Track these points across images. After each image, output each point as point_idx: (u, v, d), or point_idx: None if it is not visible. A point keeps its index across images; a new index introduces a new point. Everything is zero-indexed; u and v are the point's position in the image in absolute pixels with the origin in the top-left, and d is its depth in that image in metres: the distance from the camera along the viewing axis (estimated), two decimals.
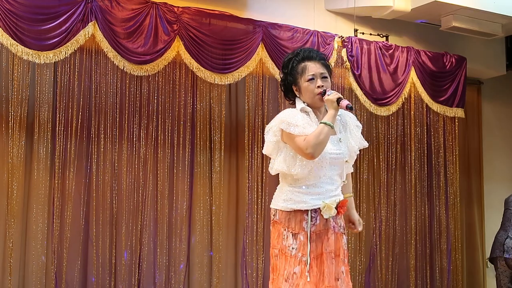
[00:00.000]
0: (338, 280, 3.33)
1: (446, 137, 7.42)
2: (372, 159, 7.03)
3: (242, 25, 6.29)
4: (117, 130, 5.87)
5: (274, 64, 6.30)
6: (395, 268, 7.04)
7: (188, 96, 6.17)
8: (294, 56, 3.45)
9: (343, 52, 6.70)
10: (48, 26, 5.44)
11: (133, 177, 5.89)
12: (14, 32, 5.31)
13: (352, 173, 3.66)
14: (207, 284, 6.15)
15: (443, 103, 7.27)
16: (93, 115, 5.79)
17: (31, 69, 5.59)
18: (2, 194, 5.45)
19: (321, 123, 3.27)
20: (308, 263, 3.27)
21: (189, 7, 6.05)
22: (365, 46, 6.82)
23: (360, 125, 3.55)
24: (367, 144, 3.56)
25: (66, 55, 5.55)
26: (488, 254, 6.80)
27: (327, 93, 3.34)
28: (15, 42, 5.32)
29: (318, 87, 3.36)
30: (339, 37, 6.72)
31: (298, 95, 3.44)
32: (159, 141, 6.03)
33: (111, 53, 5.69)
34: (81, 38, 5.57)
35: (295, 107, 3.45)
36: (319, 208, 3.33)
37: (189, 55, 6.00)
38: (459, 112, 7.38)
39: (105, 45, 5.67)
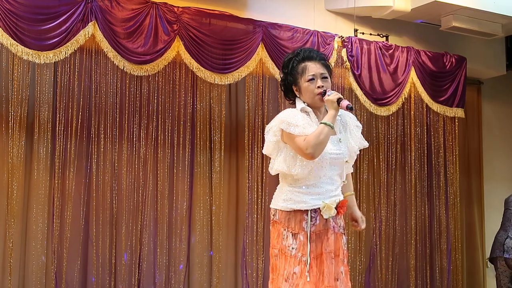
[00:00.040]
0: (337, 280, 3.33)
1: (446, 137, 7.42)
2: (372, 159, 7.03)
3: (242, 25, 6.29)
4: (117, 130, 5.87)
5: (274, 64, 6.30)
6: (395, 268, 7.04)
7: (188, 96, 6.17)
8: (294, 56, 3.45)
9: (343, 52, 6.70)
10: (48, 26, 5.44)
11: (133, 177, 5.89)
12: (14, 32, 5.31)
13: (352, 173, 3.66)
14: (207, 284, 6.15)
15: (443, 103, 7.27)
16: (93, 115, 5.79)
17: (31, 69, 5.59)
18: (2, 194, 5.45)
19: (321, 123, 3.27)
20: (308, 263, 3.27)
21: (189, 7, 6.05)
22: (365, 46, 6.82)
23: (360, 125, 3.55)
24: (367, 144, 3.56)
25: (66, 55, 5.54)
26: (488, 254, 6.80)
27: (327, 93, 3.34)
28: (15, 42, 5.32)
29: (318, 87, 3.36)
30: (339, 37, 6.72)
31: (298, 95, 3.44)
32: (159, 141, 6.03)
33: (111, 53, 5.69)
34: (81, 38, 5.57)
35: (295, 107, 3.45)
36: (319, 208, 3.33)
37: (189, 55, 6.00)
38: (459, 112, 7.38)
39: (105, 45, 5.67)
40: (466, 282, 7.68)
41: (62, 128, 5.65)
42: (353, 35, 6.86)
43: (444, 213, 7.35)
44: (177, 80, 6.13)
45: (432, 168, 7.37)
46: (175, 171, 6.09)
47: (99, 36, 5.65)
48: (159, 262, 5.93)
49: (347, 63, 6.71)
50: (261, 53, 6.31)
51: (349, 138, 3.45)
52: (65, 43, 5.50)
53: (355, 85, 6.76)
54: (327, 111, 3.35)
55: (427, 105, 7.22)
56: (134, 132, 5.93)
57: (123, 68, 5.76)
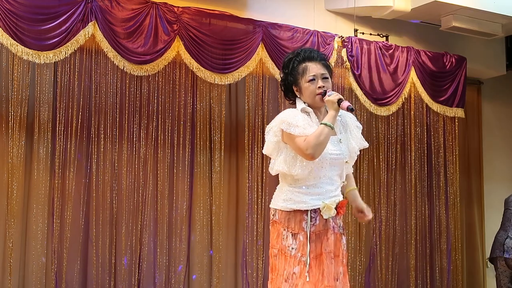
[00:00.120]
0: (337, 280, 3.33)
1: (446, 137, 7.42)
2: (372, 159, 7.03)
3: (242, 25, 6.29)
4: (117, 130, 5.87)
5: (274, 64, 6.30)
6: (395, 268, 7.04)
7: (188, 96, 6.17)
8: (295, 56, 3.45)
9: (343, 52, 6.70)
10: (48, 26, 5.44)
11: (133, 177, 5.89)
12: (14, 32, 5.31)
13: (352, 173, 3.65)
14: (207, 284, 6.15)
15: (443, 103, 7.27)
16: (93, 115, 5.79)
17: (31, 69, 5.59)
18: (2, 194, 5.45)
19: (321, 123, 3.27)
20: (308, 263, 3.27)
21: (189, 7, 6.04)
22: (365, 46, 6.82)
23: (360, 126, 3.55)
24: (367, 144, 3.56)
25: (66, 55, 5.55)
26: (488, 254, 6.80)
27: (327, 93, 3.34)
28: (15, 42, 5.32)
29: (319, 87, 3.36)
30: (339, 37, 6.71)
31: (298, 95, 3.43)
32: (159, 141, 6.03)
33: (111, 53, 5.69)
34: (81, 38, 5.57)
35: (295, 107, 3.45)
36: (319, 209, 3.33)
37: (189, 55, 6.00)
38: (459, 112, 7.38)
39: (105, 45, 5.67)
40: (466, 282, 7.68)
41: (62, 128, 5.65)
42: (353, 35, 6.86)
43: (444, 213, 7.35)
44: (177, 80, 6.13)
45: (432, 168, 7.37)
46: (175, 171, 6.09)
47: (99, 36, 5.65)
48: (159, 262, 5.93)
49: (347, 63, 6.71)
50: (261, 53, 6.31)
51: (350, 138, 3.45)
52: (65, 43, 5.50)
53: (355, 85, 6.76)
54: (327, 111, 3.34)
55: (427, 105, 7.22)
56: (134, 132, 5.93)
57: (123, 68, 5.76)
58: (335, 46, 6.66)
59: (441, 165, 7.38)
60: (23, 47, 5.34)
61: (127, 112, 5.91)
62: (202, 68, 6.05)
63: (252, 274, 6.26)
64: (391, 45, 7.00)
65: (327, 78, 3.40)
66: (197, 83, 6.20)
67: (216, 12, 6.17)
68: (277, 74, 6.05)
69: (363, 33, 6.94)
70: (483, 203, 8.03)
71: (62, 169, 5.63)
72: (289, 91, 3.47)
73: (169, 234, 6.00)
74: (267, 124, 3.48)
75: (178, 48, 5.98)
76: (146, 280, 5.88)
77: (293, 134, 3.27)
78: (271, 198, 3.49)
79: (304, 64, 3.40)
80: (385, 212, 7.03)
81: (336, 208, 3.34)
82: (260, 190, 6.35)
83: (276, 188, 3.50)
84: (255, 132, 6.38)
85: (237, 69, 6.19)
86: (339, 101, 3.28)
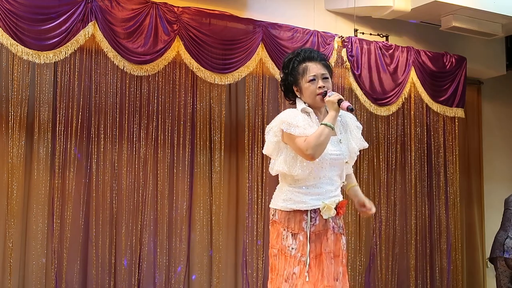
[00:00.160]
0: (337, 280, 3.33)
1: (446, 137, 7.42)
2: (372, 159, 7.03)
3: (242, 25, 6.29)
4: (117, 130, 5.87)
5: (274, 64, 6.30)
6: (395, 268, 7.04)
7: (188, 96, 6.17)
8: (295, 57, 3.44)
9: (343, 52, 6.70)
10: (48, 26, 5.44)
11: (133, 177, 5.89)
12: (14, 32, 5.31)
13: (352, 172, 3.66)
14: (207, 284, 6.15)
15: (443, 103, 7.27)
16: (93, 115, 5.79)
17: (31, 69, 5.59)
18: (2, 194, 5.45)
19: (321, 124, 3.27)
20: (308, 263, 3.27)
21: (189, 7, 6.04)
22: (365, 46, 6.82)
23: (361, 126, 3.55)
24: (367, 145, 3.56)
25: (66, 55, 5.55)
26: (488, 254, 6.80)
27: (328, 94, 3.34)
28: (15, 42, 5.32)
29: (319, 87, 3.36)
30: (339, 37, 6.72)
31: (298, 96, 3.43)
32: (159, 141, 6.03)
33: (111, 53, 5.69)
34: (81, 38, 5.57)
35: (295, 107, 3.45)
36: (319, 209, 3.33)
37: (189, 55, 6.00)
38: (459, 112, 7.38)
39: (105, 45, 5.67)
40: (466, 282, 7.68)
41: (62, 128, 5.65)
42: (353, 35, 6.86)
43: (444, 213, 7.35)
44: (177, 80, 6.13)
45: (432, 168, 7.37)
46: (175, 171, 6.09)
47: (99, 36, 5.65)
48: (159, 262, 5.93)
49: (347, 63, 6.71)
50: (261, 53, 6.31)
51: (350, 138, 3.45)
52: (65, 43, 5.50)
53: (355, 85, 6.76)
54: (327, 111, 3.34)
55: (427, 105, 7.22)
56: (134, 132, 5.93)
57: (123, 68, 5.76)
58: (335, 46, 6.66)
59: (441, 165, 7.39)
60: (23, 47, 5.34)
61: (127, 112, 5.91)
62: (202, 68, 6.05)
63: (252, 274, 6.26)
64: (391, 45, 7.00)
65: (327, 78, 3.40)
66: (197, 83, 6.20)
67: (216, 12, 6.17)
68: (277, 74, 6.05)
69: (363, 33, 6.94)
70: (483, 203, 8.03)
71: (62, 169, 5.63)
72: (289, 91, 3.47)
73: (169, 234, 6.00)
74: (267, 124, 3.47)
75: (178, 48, 5.98)
76: (146, 280, 5.88)
77: (293, 135, 3.27)
78: (271, 198, 3.50)
79: (304, 64, 3.40)
80: (385, 212, 7.03)
81: (336, 208, 3.35)
82: (260, 190, 6.35)
83: (276, 188, 3.50)
84: (255, 132, 6.38)
85: (237, 69, 6.19)
86: (339, 102, 3.28)
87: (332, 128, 3.26)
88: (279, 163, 3.38)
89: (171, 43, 5.92)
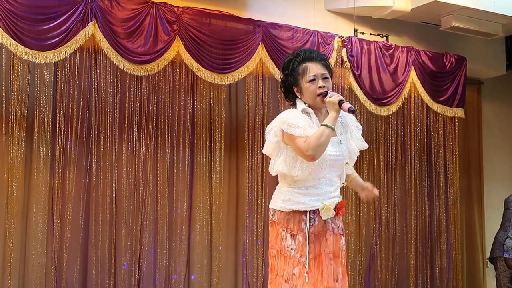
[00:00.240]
0: (336, 281, 3.33)
1: (446, 137, 7.42)
2: (372, 159, 7.02)
3: (242, 25, 6.29)
4: (117, 130, 5.87)
5: (274, 64, 6.30)
6: (395, 268, 7.04)
7: (188, 96, 6.17)
8: (295, 57, 3.44)
9: (343, 52, 6.70)
10: (48, 26, 5.44)
11: (133, 177, 5.89)
12: (14, 32, 5.31)
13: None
14: (207, 284, 6.15)
15: (443, 103, 7.27)
16: (93, 115, 5.79)
17: (31, 69, 5.58)
18: (2, 194, 5.45)
19: (322, 125, 3.26)
20: (307, 264, 3.27)
21: (189, 7, 6.04)
22: (365, 46, 6.82)
23: (361, 127, 3.55)
24: (367, 145, 3.56)
25: (66, 55, 5.54)
26: (488, 254, 6.80)
27: (328, 94, 3.33)
28: (15, 42, 5.32)
29: (320, 87, 3.36)
30: (339, 37, 6.71)
31: (299, 96, 3.43)
32: (159, 141, 6.03)
33: (111, 53, 5.69)
34: (81, 38, 5.57)
35: (295, 108, 3.44)
36: (318, 209, 3.33)
37: (189, 55, 6.00)
38: (459, 112, 7.38)
39: (105, 45, 5.67)
40: (466, 282, 7.68)
41: (62, 128, 5.65)
42: (353, 35, 6.86)
43: (444, 213, 7.35)
44: (177, 80, 6.13)
45: (432, 168, 7.37)
46: (175, 171, 6.09)
47: (99, 36, 5.65)
48: (159, 262, 5.93)
49: (347, 63, 6.70)
50: (261, 53, 6.31)
51: (350, 139, 3.45)
52: (65, 43, 5.50)
53: (355, 85, 6.76)
54: (327, 112, 3.34)
55: (427, 105, 7.22)
56: (134, 132, 5.93)
57: (123, 68, 5.76)
58: (335, 46, 6.66)
59: (441, 165, 7.38)
60: (23, 47, 5.34)
61: (127, 112, 5.91)
62: (202, 68, 6.05)
63: (252, 274, 6.26)
64: (391, 45, 7.00)
65: (327, 78, 3.40)
66: (197, 83, 6.19)
67: (216, 12, 6.17)
68: (277, 74, 6.06)
69: (363, 33, 6.94)
70: (483, 203, 8.03)
71: (62, 169, 5.63)
72: (289, 92, 3.47)
73: (169, 234, 6.00)
74: (267, 124, 3.47)
75: (178, 48, 5.98)
76: (146, 280, 5.88)
77: (293, 135, 3.27)
78: (271, 198, 3.50)
79: (304, 65, 3.40)
80: (385, 212, 7.03)
81: (335, 209, 3.35)
82: (260, 190, 6.35)
83: (275, 189, 3.50)
84: (255, 132, 6.38)
85: (237, 69, 6.19)
86: (340, 103, 3.28)
87: (333, 129, 3.26)
88: (279, 163, 3.38)
89: (171, 43, 5.92)
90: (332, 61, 6.50)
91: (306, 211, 3.33)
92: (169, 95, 6.09)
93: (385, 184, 7.06)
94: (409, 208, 7.17)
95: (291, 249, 3.31)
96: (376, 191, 3.51)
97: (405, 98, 7.06)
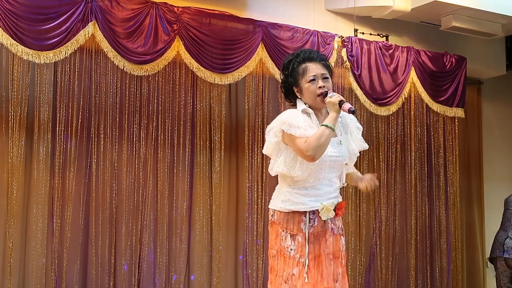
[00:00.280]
0: (337, 281, 3.33)
1: (446, 137, 7.42)
2: (372, 159, 7.02)
3: (242, 25, 6.29)
4: (117, 130, 5.87)
5: (274, 64, 6.30)
6: (395, 268, 7.04)
7: (188, 96, 6.17)
8: (295, 58, 3.44)
9: (343, 52, 6.70)
10: (48, 26, 5.44)
11: (133, 177, 5.89)
12: (14, 32, 5.31)
13: None
14: (207, 284, 6.15)
15: (443, 103, 7.27)
16: (93, 115, 5.79)
17: (31, 69, 5.58)
18: (2, 194, 5.45)
19: (322, 125, 3.26)
20: (306, 264, 3.27)
21: (189, 7, 6.04)
22: (365, 46, 6.82)
23: (361, 127, 3.54)
24: (367, 146, 3.55)
25: (66, 55, 5.54)
26: (488, 254, 6.81)
27: (328, 95, 3.33)
28: (15, 42, 5.32)
29: (320, 87, 3.35)
30: (339, 37, 6.71)
31: (299, 96, 3.43)
32: (159, 141, 6.03)
33: (111, 53, 5.69)
34: (81, 38, 5.57)
35: (296, 108, 3.44)
36: (317, 210, 3.33)
37: (189, 55, 6.00)
38: (459, 112, 7.38)
39: (105, 45, 5.67)
40: (466, 282, 7.68)
41: (62, 128, 5.65)
42: (353, 35, 6.86)
43: (444, 213, 7.35)
44: (177, 80, 6.13)
45: (432, 168, 7.37)
46: (175, 171, 6.09)
47: (99, 36, 5.65)
48: (159, 262, 5.93)
49: (347, 63, 6.70)
50: (261, 53, 6.31)
51: (350, 140, 3.45)
52: (65, 43, 5.50)
53: (355, 85, 6.76)
54: (328, 112, 3.34)
55: (427, 105, 7.22)
56: (134, 132, 5.93)
57: (123, 68, 5.76)
58: (335, 46, 6.66)
59: (441, 165, 7.38)
60: (23, 47, 5.34)
61: (127, 112, 5.91)
62: (202, 68, 6.05)
63: (252, 274, 6.26)
64: (391, 45, 7.00)
65: (327, 78, 3.40)
66: (197, 83, 6.19)
67: (216, 12, 6.17)
68: (277, 74, 6.06)
69: (363, 33, 6.94)
70: (483, 203, 8.03)
71: (62, 169, 5.63)
72: (289, 92, 3.47)
73: (169, 234, 6.00)
74: (267, 124, 3.47)
75: (178, 48, 5.98)
76: (146, 280, 5.88)
77: (294, 135, 3.27)
78: (271, 198, 3.50)
79: (304, 65, 3.40)
80: (385, 212, 7.03)
81: (334, 210, 3.35)
82: (260, 190, 6.35)
83: (275, 189, 3.50)
84: (255, 132, 6.38)
85: (237, 69, 6.19)
86: (340, 103, 3.27)
87: (333, 130, 3.26)
88: (278, 164, 3.38)
89: (171, 43, 5.92)
90: (332, 61, 6.50)
91: (305, 212, 3.33)
92: (169, 95, 6.09)
93: (385, 184, 7.06)
94: (409, 208, 7.17)
95: (291, 249, 3.31)
96: (375, 180, 3.50)
97: (405, 98, 7.06)
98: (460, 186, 7.54)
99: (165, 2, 5.95)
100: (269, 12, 6.57)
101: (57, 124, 5.63)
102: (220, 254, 6.19)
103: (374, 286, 6.91)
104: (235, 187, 6.40)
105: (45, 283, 5.53)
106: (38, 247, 5.52)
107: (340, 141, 3.39)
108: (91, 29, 5.60)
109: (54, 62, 5.57)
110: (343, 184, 3.48)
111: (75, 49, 5.57)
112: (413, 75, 7.07)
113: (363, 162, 6.91)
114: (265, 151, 3.47)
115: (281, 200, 3.38)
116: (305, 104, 3.40)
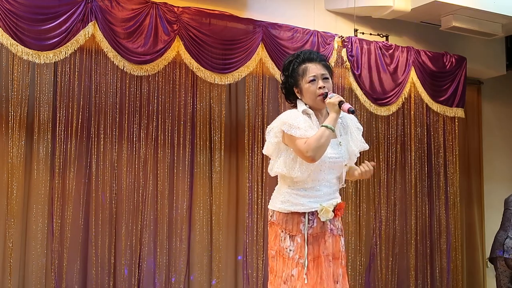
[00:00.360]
0: (337, 282, 3.32)
1: (446, 137, 7.42)
2: (372, 159, 7.01)
3: (242, 25, 6.29)
4: (117, 130, 5.87)
5: (274, 64, 6.30)
6: (395, 268, 7.04)
7: (188, 96, 6.17)
8: (295, 58, 3.44)
9: (343, 52, 6.70)
10: (48, 26, 5.45)
11: (133, 177, 5.89)
12: (14, 32, 5.31)
13: None
14: (207, 284, 6.15)
15: (443, 103, 7.27)
16: (93, 115, 5.79)
17: (31, 69, 5.59)
18: (2, 194, 5.46)
19: (322, 126, 3.26)
20: (306, 265, 3.27)
21: (189, 7, 6.04)
22: (365, 46, 6.82)
23: (361, 127, 3.53)
24: (368, 146, 3.54)
25: (66, 55, 5.55)
26: (488, 254, 6.81)
27: (328, 95, 3.33)
28: (15, 42, 5.32)
29: (320, 88, 3.35)
30: (339, 37, 6.71)
31: (299, 97, 3.43)
32: (159, 141, 6.03)
33: (111, 53, 5.70)
34: (81, 38, 5.57)
35: (296, 109, 3.44)
36: (317, 211, 3.33)
37: (189, 55, 6.00)
38: (459, 112, 7.38)
39: (105, 45, 5.67)
40: (466, 282, 7.68)
41: (62, 128, 5.65)
42: (353, 35, 6.86)
43: (444, 213, 7.35)
44: (177, 80, 6.13)
45: (432, 168, 7.37)
46: (175, 171, 6.09)
47: (99, 36, 5.65)
48: (159, 262, 5.93)
49: (347, 63, 6.70)
50: (261, 53, 6.31)
51: (350, 140, 3.44)
52: (65, 43, 5.50)
53: (355, 85, 6.76)
54: (328, 113, 3.34)
55: (427, 105, 7.22)
56: (134, 132, 5.93)
57: (123, 68, 5.76)
58: (335, 46, 6.66)
59: (441, 165, 7.38)
60: (23, 47, 5.35)
61: (127, 112, 5.91)
62: (202, 68, 6.05)
63: (252, 274, 6.26)
64: (391, 45, 7.00)
65: (327, 78, 3.40)
66: (197, 83, 6.20)
67: (216, 12, 6.17)
68: (277, 74, 6.06)
69: (363, 33, 6.94)
70: (483, 203, 8.04)
71: (62, 169, 5.63)
72: (290, 93, 3.46)
73: (169, 234, 6.00)
74: (267, 124, 3.48)
75: (178, 48, 5.98)
76: (146, 280, 5.88)
77: (294, 136, 3.26)
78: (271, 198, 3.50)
79: (304, 65, 3.39)
80: (385, 212, 7.03)
81: (334, 211, 3.34)
82: (260, 190, 6.35)
83: (274, 189, 3.50)
84: (255, 132, 6.38)
85: (237, 69, 6.19)
86: (340, 103, 3.27)
87: (333, 130, 3.26)
88: (278, 164, 3.38)
89: (171, 43, 5.92)
90: (332, 61, 6.50)
91: (304, 213, 3.32)
92: (169, 95, 6.09)
93: (385, 184, 7.06)
94: (409, 208, 7.17)
95: (290, 250, 3.31)
96: (369, 164, 3.43)
97: (405, 98, 7.07)
98: (460, 186, 7.54)
99: (165, 2, 5.95)
100: (269, 12, 6.57)
101: (57, 124, 5.64)
102: (220, 254, 6.19)
103: (374, 286, 6.91)
104: (235, 187, 6.40)
105: (45, 283, 5.53)
106: (38, 247, 5.52)
107: (340, 142, 3.39)
108: (91, 29, 5.60)
109: (54, 62, 5.57)
110: (342, 185, 3.48)
111: (75, 49, 5.58)
112: (413, 75, 7.07)
113: (363, 162, 6.90)
114: (265, 151, 3.47)
115: (280, 201, 3.38)
116: (306, 104, 3.40)
